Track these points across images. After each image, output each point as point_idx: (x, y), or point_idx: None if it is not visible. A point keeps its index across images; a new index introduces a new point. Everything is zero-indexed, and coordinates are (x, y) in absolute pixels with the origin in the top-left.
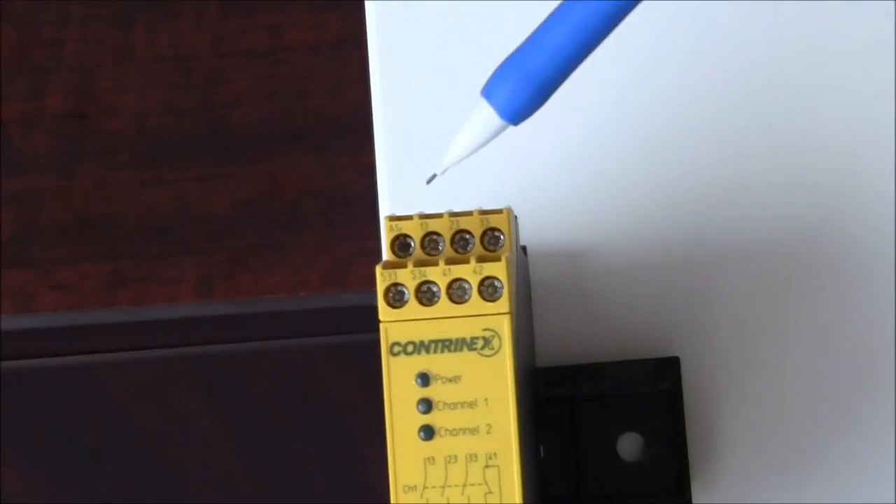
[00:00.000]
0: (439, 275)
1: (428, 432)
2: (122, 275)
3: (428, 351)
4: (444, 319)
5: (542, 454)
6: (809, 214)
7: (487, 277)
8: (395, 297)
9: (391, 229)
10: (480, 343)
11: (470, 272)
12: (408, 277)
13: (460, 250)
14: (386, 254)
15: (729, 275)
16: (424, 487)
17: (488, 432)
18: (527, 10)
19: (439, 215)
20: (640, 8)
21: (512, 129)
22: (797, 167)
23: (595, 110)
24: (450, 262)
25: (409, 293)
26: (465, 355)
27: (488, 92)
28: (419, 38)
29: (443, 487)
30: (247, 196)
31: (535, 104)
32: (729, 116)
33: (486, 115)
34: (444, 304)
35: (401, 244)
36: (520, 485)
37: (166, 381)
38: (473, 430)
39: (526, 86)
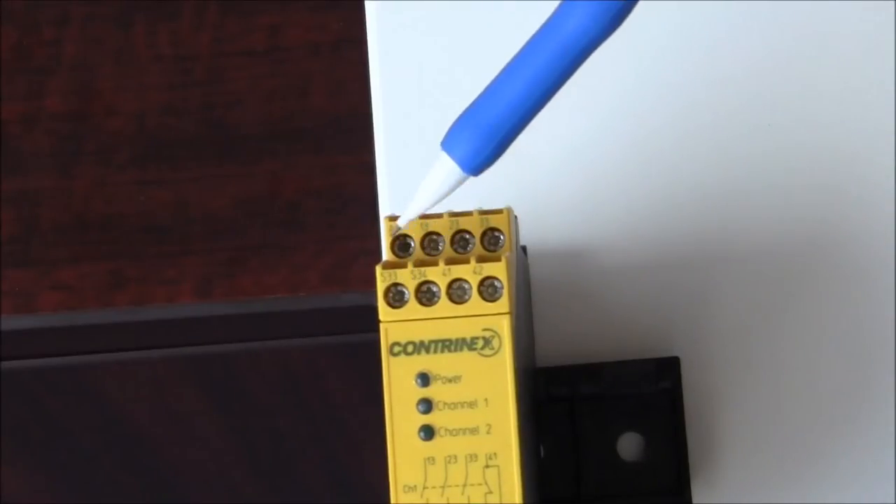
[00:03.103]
0: (439, 275)
1: (428, 432)
2: (122, 275)
3: (428, 351)
4: (444, 319)
5: (542, 454)
6: (809, 215)
7: (487, 277)
8: (395, 297)
9: (391, 229)
10: (480, 343)
11: (470, 272)
12: (408, 277)
13: (460, 250)
14: (386, 254)
15: (729, 275)
16: (424, 487)
17: (488, 432)
18: (526, 11)
19: (439, 215)
20: (640, 8)
21: None
22: (797, 167)
23: (595, 110)
24: (450, 262)
25: (409, 293)
26: (465, 355)
27: (449, 145)
28: (419, 38)
29: (443, 487)
30: (247, 196)
31: (496, 155)
32: (729, 117)
33: (448, 168)
34: (444, 304)
35: (401, 244)
36: (520, 485)
37: (166, 381)
38: (473, 430)
39: (486, 139)
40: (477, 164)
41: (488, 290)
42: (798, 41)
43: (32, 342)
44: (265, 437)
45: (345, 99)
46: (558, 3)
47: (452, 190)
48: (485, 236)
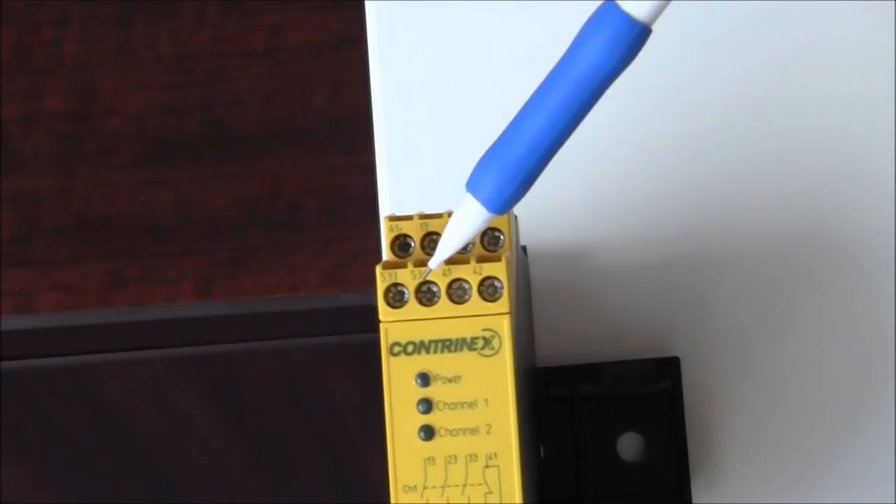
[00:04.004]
0: (439, 275)
1: (428, 432)
2: (122, 275)
3: (428, 351)
4: (444, 319)
5: (542, 454)
6: (809, 214)
7: (487, 277)
8: (395, 297)
9: (391, 229)
10: (480, 343)
11: (470, 272)
12: (408, 277)
13: (460, 250)
14: (386, 254)
15: (729, 275)
16: (424, 487)
17: (488, 432)
18: (526, 11)
19: (439, 215)
20: None
21: None
22: (797, 167)
23: (594, 111)
24: (450, 262)
25: (409, 293)
26: (465, 355)
27: (474, 186)
28: (419, 38)
29: (443, 487)
30: (247, 196)
31: (521, 194)
32: (729, 117)
33: (475, 210)
34: (444, 304)
35: (401, 244)
36: (520, 485)
37: (166, 381)
38: (473, 430)
39: (511, 178)
40: (502, 203)
41: (488, 290)
42: (798, 41)
43: (32, 342)
44: (265, 437)
45: (345, 99)
46: (554, 2)
47: (480, 230)
48: (485, 236)
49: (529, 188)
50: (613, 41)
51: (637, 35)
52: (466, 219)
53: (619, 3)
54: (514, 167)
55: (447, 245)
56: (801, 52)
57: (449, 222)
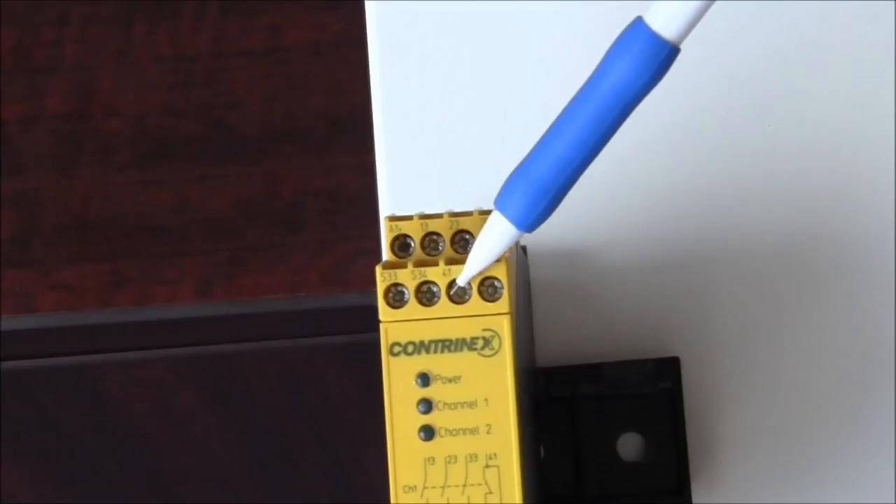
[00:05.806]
0: (439, 275)
1: (428, 432)
2: (122, 275)
3: (428, 351)
4: (444, 319)
5: (542, 454)
6: (809, 214)
7: (487, 277)
8: (395, 297)
9: (391, 229)
10: (480, 343)
11: None
12: (408, 277)
13: (460, 250)
14: (386, 254)
15: (729, 275)
16: (424, 487)
17: (488, 432)
18: (526, 11)
19: (439, 215)
20: (637, 8)
21: (512, 128)
22: (797, 167)
23: None
24: (450, 262)
25: (409, 293)
26: (465, 355)
27: (502, 204)
28: (419, 38)
29: (443, 487)
30: (247, 196)
31: (549, 211)
32: (729, 117)
33: (503, 228)
34: (444, 305)
35: (401, 244)
36: (520, 485)
37: (166, 381)
38: (473, 431)
39: (539, 196)
40: (531, 221)
41: (488, 290)
42: (798, 42)
43: (32, 342)
44: (265, 437)
45: (345, 99)
46: (554, 2)
47: (508, 247)
48: None
49: (558, 205)
50: (642, 61)
51: (666, 55)
52: (495, 236)
53: (648, 22)
54: (543, 186)
55: (476, 262)
56: (801, 52)
57: (477, 239)
